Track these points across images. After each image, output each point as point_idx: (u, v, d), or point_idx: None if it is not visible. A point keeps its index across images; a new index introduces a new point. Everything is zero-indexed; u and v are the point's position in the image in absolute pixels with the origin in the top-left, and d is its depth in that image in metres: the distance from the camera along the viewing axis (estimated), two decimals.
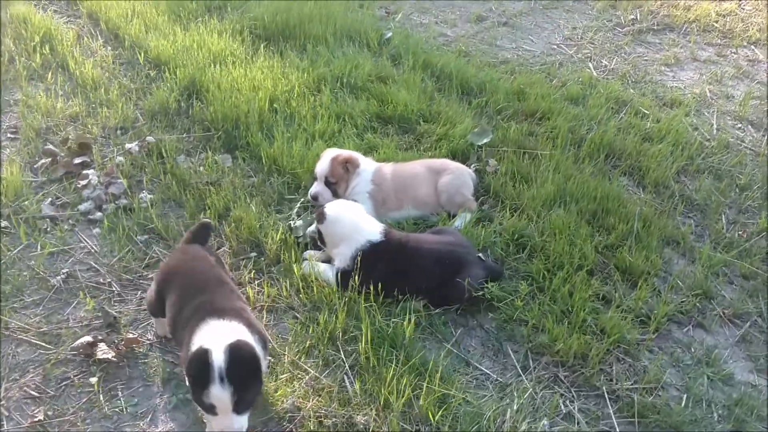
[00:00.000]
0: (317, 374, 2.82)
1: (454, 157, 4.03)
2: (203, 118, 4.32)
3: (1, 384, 2.76)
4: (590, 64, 5.42)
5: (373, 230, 3.20)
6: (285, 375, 2.82)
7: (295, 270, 3.20)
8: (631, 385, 2.86)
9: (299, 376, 2.82)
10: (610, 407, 2.77)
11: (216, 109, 4.28)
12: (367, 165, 3.72)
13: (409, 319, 2.93)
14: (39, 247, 3.40)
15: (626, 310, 3.15)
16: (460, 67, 4.90)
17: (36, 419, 2.64)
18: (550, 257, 3.35)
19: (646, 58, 5.63)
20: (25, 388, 2.76)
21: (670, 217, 3.73)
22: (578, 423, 2.70)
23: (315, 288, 3.15)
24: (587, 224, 3.59)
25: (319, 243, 3.31)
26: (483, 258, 3.22)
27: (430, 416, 2.62)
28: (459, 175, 3.71)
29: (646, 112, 4.68)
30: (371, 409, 2.67)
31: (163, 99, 4.45)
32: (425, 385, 2.71)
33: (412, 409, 2.68)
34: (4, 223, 3.52)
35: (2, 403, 2.69)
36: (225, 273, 2.84)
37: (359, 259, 3.10)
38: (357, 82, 4.65)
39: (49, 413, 2.67)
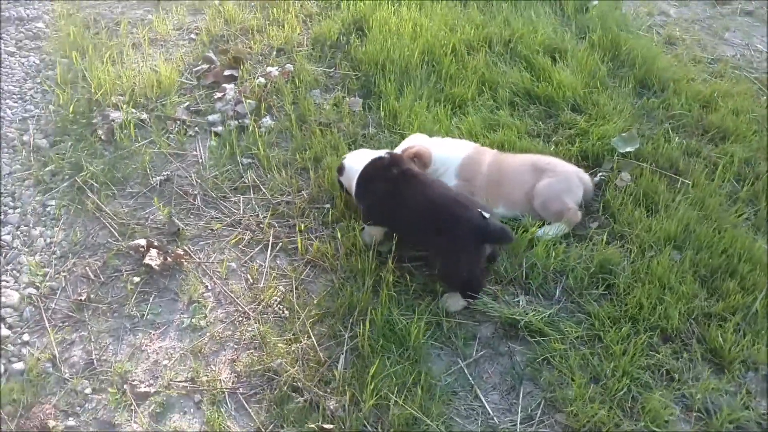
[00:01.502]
0: (316, 344, 2.77)
1: (584, 160, 3.54)
2: (354, 57, 4.27)
3: (69, 258, 3.15)
4: None
5: None
6: (290, 334, 2.82)
7: (339, 233, 3.13)
8: None
9: (301, 339, 2.80)
10: None
11: (368, 49, 4.20)
12: (452, 156, 3.33)
13: (419, 319, 2.73)
14: (158, 145, 3.71)
15: (683, 396, 2.60)
16: (652, 56, 4.18)
17: (80, 298, 2.97)
18: (626, 307, 2.85)
19: None
20: (86, 267, 3.10)
21: None
22: None
23: (359, 257, 3.04)
24: (697, 281, 2.96)
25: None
26: (486, 216, 2.78)
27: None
28: (563, 180, 3.22)
29: None
30: (345, 399, 2.57)
31: (328, 29, 4.48)
32: (406, 397, 2.53)
33: (385, 415, 2.53)
34: (144, 116, 3.89)
35: (65, 275, 3.08)
36: None
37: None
38: (523, 50, 4.21)
39: (92, 296, 2.98)
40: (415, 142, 3.35)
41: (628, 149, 3.53)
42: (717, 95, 3.95)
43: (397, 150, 3.32)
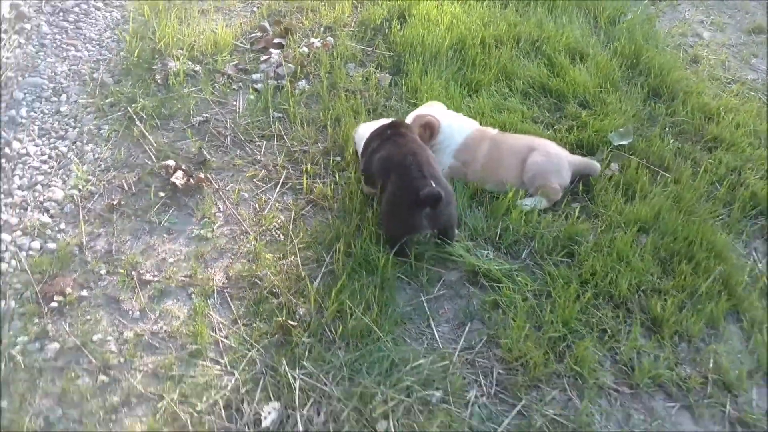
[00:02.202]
0: (300, 263, 3.16)
1: (578, 148, 3.81)
2: (392, 40, 4.68)
3: (110, 171, 3.67)
4: None
5: None
6: (280, 254, 3.22)
7: (339, 179, 3.53)
8: (542, 407, 2.65)
9: (288, 257, 3.19)
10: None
11: (405, 33, 4.61)
12: (458, 130, 3.59)
13: (388, 256, 3.07)
14: (204, 92, 4.21)
15: (614, 351, 2.84)
16: (669, 68, 4.40)
17: (113, 202, 3.47)
18: (580, 271, 3.11)
19: None
20: (123, 180, 3.60)
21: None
22: (471, 416, 2.64)
23: (352, 201, 3.42)
24: (655, 261, 3.19)
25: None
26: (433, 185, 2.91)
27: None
28: (555, 162, 3.50)
29: None
30: (312, 307, 2.95)
31: (374, 14, 4.91)
32: (365, 311, 2.89)
33: (344, 324, 2.88)
34: (197, 68, 4.41)
35: (104, 183, 3.59)
36: None
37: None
38: (547, 49, 4.52)
39: (122, 203, 3.47)
40: (431, 110, 3.65)
41: (622, 143, 3.78)
42: (723, 109, 4.14)
43: (414, 113, 3.65)
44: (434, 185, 2.89)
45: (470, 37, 4.57)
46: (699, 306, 3.01)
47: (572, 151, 3.71)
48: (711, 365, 2.83)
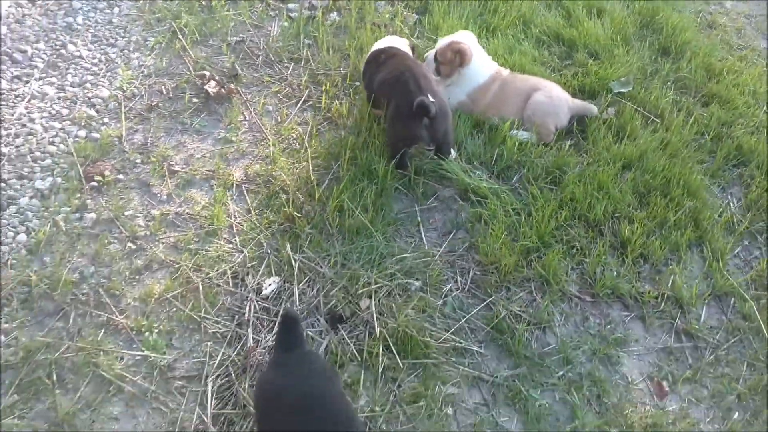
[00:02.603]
0: (311, 168, 3.53)
1: (580, 92, 4.08)
2: None
3: (152, 77, 4.07)
4: None
5: None
6: (294, 159, 3.59)
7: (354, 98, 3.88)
8: (509, 303, 3.01)
9: (302, 163, 3.56)
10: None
11: None
12: (481, 72, 3.81)
13: (387, 164, 3.42)
14: (243, 16, 4.57)
15: (582, 266, 3.18)
16: (681, 29, 4.61)
17: (152, 103, 3.87)
18: (561, 195, 3.42)
19: None
20: (162, 86, 3.99)
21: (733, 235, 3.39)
22: (444, 305, 3.00)
23: (363, 120, 3.77)
24: (633, 193, 3.48)
25: None
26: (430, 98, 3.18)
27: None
28: (555, 104, 3.75)
29: None
30: (315, 206, 3.33)
31: None
32: (362, 211, 3.26)
33: (343, 220, 3.26)
34: None
35: (145, 87, 3.99)
36: None
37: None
38: (568, 2, 4.75)
39: (160, 105, 3.87)
40: (463, 38, 3.84)
41: (622, 90, 4.04)
42: (726, 71, 4.35)
43: (448, 37, 3.86)
44: (428, 96, 3.20)
45: None
46: (665, 234, 3.30)
47: (574, 95, 3.98)
48: (668, 285, 3.13)
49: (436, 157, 3.53)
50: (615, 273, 3.15)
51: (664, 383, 2.82)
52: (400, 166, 3.46)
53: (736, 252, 3.37)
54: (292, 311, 2.79)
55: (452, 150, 3.54)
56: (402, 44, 3.82)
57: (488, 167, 3.62)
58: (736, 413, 2.78)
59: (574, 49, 4.40)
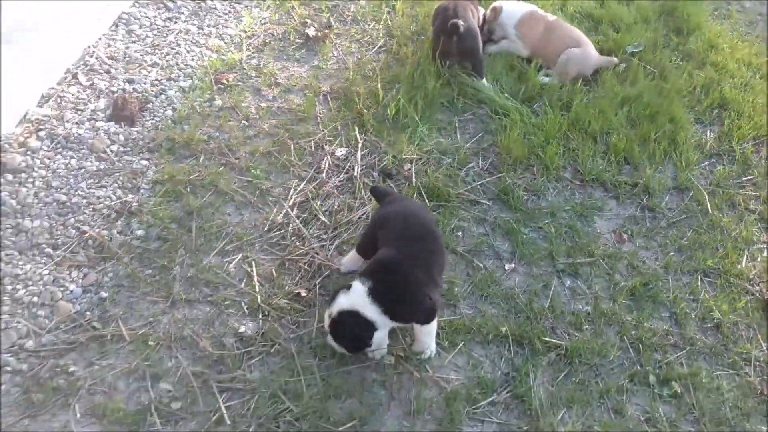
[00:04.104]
0: (380, 87, 4.68)
1: (600, 52, 5.08)
2: None
3: (267, 24, 5.37)
4: None
5: None
6: (367, 81, 4.76)
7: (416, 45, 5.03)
8: (515, 177, 4.03)
9: (373, 82, 4.72)
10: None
11: None
12: (515, 11, 4.94)
13: (436, 85, 4.54)
14: None
15: (575, 161, 4.17)
16: (695, 14, 5.55)
17: (266, 40, 5.16)
18: (568, 115, 4.43)
19: None
20: (272, 32, 5.28)
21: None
22: (466, 175, 4.06)
23: (425, 56, 4.91)
24: (626, 119, 4.45)
25: None
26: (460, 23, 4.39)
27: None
28: (585, 57, 4.77)
29: None
30: (379, 108, 4.47)
31: None
32: (414, 109, 4.38)
33: (400, 118, 4.38)
34: None
35: (261, 31, 5.29)
36: None
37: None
38: None
39: (271, 43, 5.14)
40: (498, 3, 5.08)
41: (634, 51, 5.03)
42: (729, 47, 5.26)
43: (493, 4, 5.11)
44: (459, 21, 4.41)
45: None
46: (646, 144, 4.26)
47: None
48: (641, 180, 4.08)
49: (470, 77, 4.62)
50: (601, 167, 4.12)
51: (624, 235, 3.77)
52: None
53: (703, 165, 4.27)
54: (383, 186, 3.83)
55: (485, 78, 4.63)
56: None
57: (516, 96, 4.67)
58: (673, 254, 3.70)
59: (600, 24, 5.43)
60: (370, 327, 2.86)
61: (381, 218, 3.22)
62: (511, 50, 5.01)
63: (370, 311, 2.84)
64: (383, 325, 2.89)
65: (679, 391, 3.06)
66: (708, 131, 4.56)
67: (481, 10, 5.07)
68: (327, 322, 2.93)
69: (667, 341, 3.27)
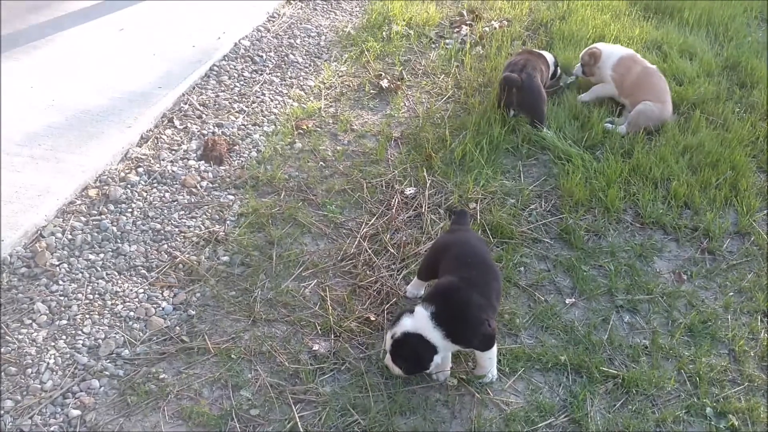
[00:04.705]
0: (447, 133, 4.98)
1: None
2: (551, 31, 6.44)
3: (345, 76, 5.79)
4: None
5: None
6: (436, 128, 5.07)
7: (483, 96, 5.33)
8: (578, 219, 4.21)
9: (441, 129, 5.03)
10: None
11: (560, 28, 6.35)
12: (614, 52, 5.18)
13: (502, 131, 4.81)
14: (412, 44, 6.25)
15: (635, 203, 4.33)
16: (761, 69, 5.68)
17: (342, 91, 5.57)
18: (631, 162, 4.61)
19: None
20: (349, 84, 5.70)
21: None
22: (529, 216, 4.27)
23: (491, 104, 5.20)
24: (688, 167, 4.59)
25: None
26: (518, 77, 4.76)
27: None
28: (658, 116, 4.91)
29: None
30: (446, 151, 4.76)
31: (544, 15, 6.72)
32: (480, 154, 4.64)
33: (464, 163, 4.65)
34: (410, 31, 6.48)
35: (340, 82, 5.71)
36: None
37: None
38: (666, 48, 6.00)
39: (348, 93, 5.56)
40: (595, 46, 5.37)
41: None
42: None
43: (587, 48, 5.42)
44: (518, 75, 4.76)
45: (608, 33, 6.19)
46: (707, 191, 4.38)
47: None
48: (702, 224, 4.20)
49: (532, 127, 4.88)
50: (661, 211, 4.26)
51: (684, 275, 3.87)
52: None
53: (764, 212, 4.35)
54: (462, 208, 4.08)
55: (546, 127, 4.87)
56: (547, 56, 5.34)
57: (579, 144, 4.88)
58: (732, 294, 3.77)
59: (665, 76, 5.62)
60: (431, 350, 3.03)
61: (442, 245, 3.47)
62: (601, 95, 5.28)
63: (433, 335, 3.01)
64: (444, 348, 3.07)
65: (736, 424, 3.10)
66: None
67: (551, 58, 5.35)
68: (388, 343, 3.11)
69: (725, 377, 3.33)
